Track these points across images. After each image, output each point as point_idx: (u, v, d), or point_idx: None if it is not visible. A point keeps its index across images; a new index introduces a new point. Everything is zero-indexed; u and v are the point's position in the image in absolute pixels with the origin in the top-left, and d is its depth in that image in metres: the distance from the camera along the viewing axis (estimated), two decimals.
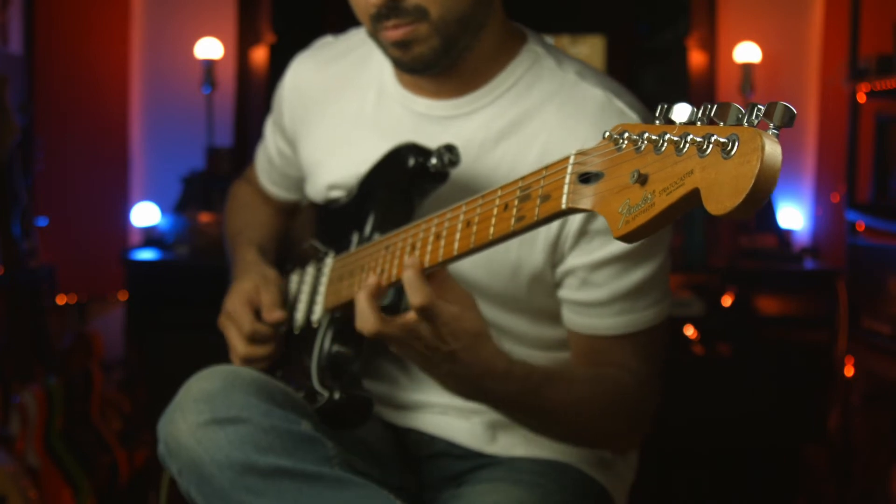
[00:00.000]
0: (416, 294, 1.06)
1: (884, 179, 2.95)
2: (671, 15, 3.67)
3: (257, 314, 1.34)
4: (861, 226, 2.90)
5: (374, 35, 1.26)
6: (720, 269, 3.09)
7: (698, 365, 3.01)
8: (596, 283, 1.25)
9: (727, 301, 3.02)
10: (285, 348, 1.38)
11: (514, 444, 1.34)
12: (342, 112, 1.43)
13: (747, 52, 3.37)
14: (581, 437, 1.30)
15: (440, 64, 1.26)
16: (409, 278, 1.07)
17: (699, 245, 3.09)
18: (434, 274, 1.10)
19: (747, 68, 3.36)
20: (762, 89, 3.41)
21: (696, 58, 3.48)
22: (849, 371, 2.86)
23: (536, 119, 1.28)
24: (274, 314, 1.33)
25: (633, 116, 1.25)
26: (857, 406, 2.83)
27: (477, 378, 1.12)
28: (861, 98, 2.93)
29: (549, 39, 1.38)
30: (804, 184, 3.48)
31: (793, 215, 3.41)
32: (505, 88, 1.30)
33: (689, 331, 3.00)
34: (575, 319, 1.28)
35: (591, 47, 3.59)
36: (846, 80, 2.95)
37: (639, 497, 1.61)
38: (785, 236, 3.28)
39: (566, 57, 1.34)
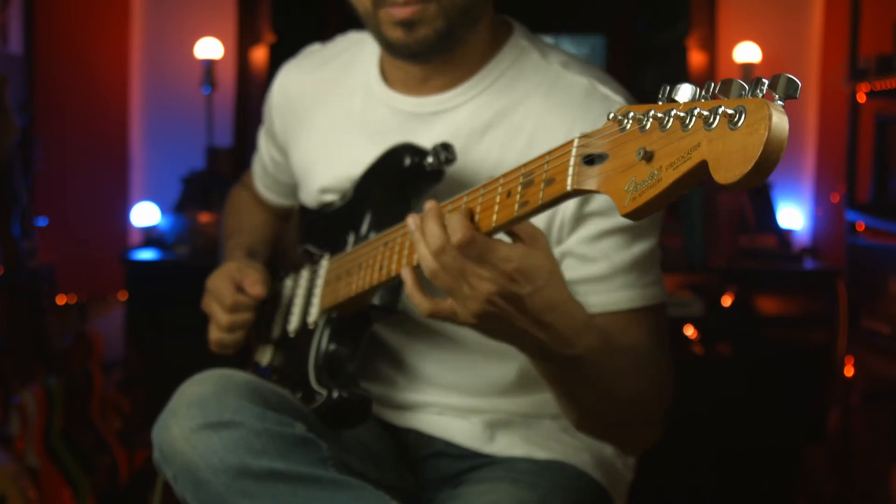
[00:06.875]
0: (456, 230, 0.99)
1: (884, 179, 2.95)
2: (671, 15, 3.67)
3: (239, 290, 1.36)
4: (861, 226, 2.90)
5: (374, 15, 1.26)
6: (720, 269, 3.08)
7: (698, 365, 3.01)
8: (593, 258, 1.24)
9: (727, 301, 3.02)
10: (282, 352, 1.38)
11: (513, 443, 1.33)
12: (330, 116, 1.43)
13: (747, 52, 3.37)
14: (621, 421, 1.24)
15: (439, 49, 1.26)
16: (450, 218, 1.00)
17: (699, 245, 3.09)
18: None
19: (747, 68, 3.36)
20: None
21: (696, 58, 3.48)
22: (849, 371, 2.85)
23: (522, 109, 1.29)
24: (256, 288, 1.36)
25: (618, 100, 1.26)
26: (857, 406, 2.82)
27: (559, 327, 1.05)
28: (861, 98, 2.92)
29: (549, 39, 1.39)
30: (804, 184, 3.48)
31: (793, 215, 3.41)
32: (490, 81, 1.31)
33: (689, 331, 3.00)
34: (583, 300, 1.24)
35: (591, 47, 3.59)
36: (846, 80, 2.95)
37: (638, 497, 1.61)
38: (785, 236, 3.27)
39: (552, 49, 1.35)
